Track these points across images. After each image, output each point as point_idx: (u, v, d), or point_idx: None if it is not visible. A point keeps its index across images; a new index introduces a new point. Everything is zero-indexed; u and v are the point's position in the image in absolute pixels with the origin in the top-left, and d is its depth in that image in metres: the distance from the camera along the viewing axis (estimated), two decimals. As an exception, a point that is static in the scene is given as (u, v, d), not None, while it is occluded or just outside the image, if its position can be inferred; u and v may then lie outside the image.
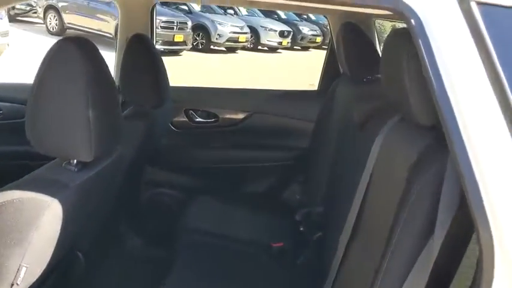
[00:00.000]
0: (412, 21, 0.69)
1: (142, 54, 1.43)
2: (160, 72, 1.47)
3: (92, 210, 1.14)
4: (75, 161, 0.92)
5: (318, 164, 1.67)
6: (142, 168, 1.82)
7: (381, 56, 1.00)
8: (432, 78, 0.68)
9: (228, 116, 2.00)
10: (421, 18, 0.68)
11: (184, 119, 1.99)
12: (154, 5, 1.79)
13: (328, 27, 1.90)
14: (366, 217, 1.05)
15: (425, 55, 0.68)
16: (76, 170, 0.92)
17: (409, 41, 0.73)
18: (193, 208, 1.70)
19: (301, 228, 1.52)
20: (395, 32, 0.95)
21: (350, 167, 1.20)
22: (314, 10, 1.98)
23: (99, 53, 0.95)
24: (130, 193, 1.72)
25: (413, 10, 0.68)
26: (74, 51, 0.87)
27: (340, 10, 1.76)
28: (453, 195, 0.73)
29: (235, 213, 1.69)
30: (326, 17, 1.85)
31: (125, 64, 1.44)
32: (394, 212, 0.85)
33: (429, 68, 0.68)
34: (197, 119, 2.00)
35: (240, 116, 1.99)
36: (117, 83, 1.53)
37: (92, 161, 0.91)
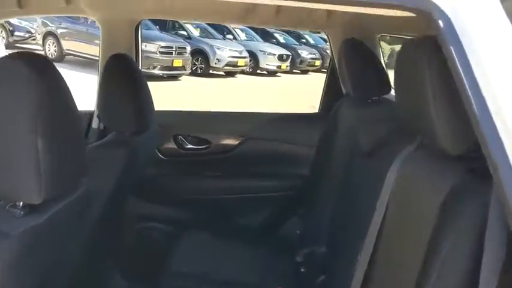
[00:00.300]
0: (441, 23, 0.53)
1: (123, 76, 1.28)
2: (142, 95, 1.33)
3: (57, 257, 0.97)
4: (21, 203, 0.75)
5: (320, 195, 1.49)
6: (125, 200, 1.64)
7: (394, 70, 0.84)
8: (469, 93, 0.52)
9: (220, 142, 1.83)
10: (453, 20, 0.53)
11: (172, 146, 1.82)
12: (140, 23, 1.66)
13: (328, 44, 1.76)
14: (382, 260, 0.87)
15: (458, 65, 0.52)
16: (22, 214, 0.75)
17: (433, 50, 0.58)
18: (182, 245, 1.53)
19: (303, 270, 1.34)
20: (412, 41, 0.79)
21: (359, 199, 1.03)
22: (313, 26, 1.84)
23: (56, 72, 0.79)
24: (112, 229, 1.54)
25: (444, 11, 0.53)
26: (21, 68, 0.71)
27: (342, 25, 1.62)
28: (500, 237, 0.56)
29: (228, 251, 1.52)
30: (326, 34, 1.71)
31: (104, 87, 1.30)
32: (422, 257, 0.68)
33: (464, 81, 0.52)
34: (187, 146, 1.84)
35: (234, 142, 1.82)
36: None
37: (43, 202, 0.74)
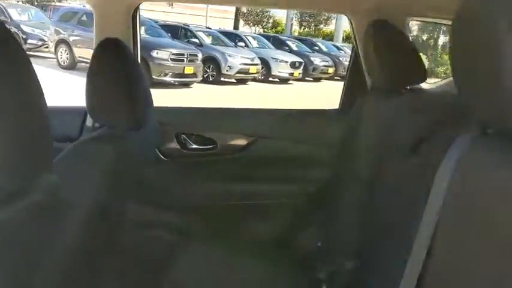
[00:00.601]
0: None
1: (113, 63, 1.11)
2: (137, 86, 1.15)
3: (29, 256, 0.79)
4: None
5: (344, 201, 1.28)
6: (121, 205, 1.46)
7: (450, 51, 0.64)
8: None
9: (228, 141, 1.64)
10: None
11: (175, 146, 1.64)
12: (137, 7, 1.48)
13: (352, 33, 1.55)
14: (437, 282, 0.66)
15: None
16: None
17: None
18: (184, 257, 1.34)
19: None
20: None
21: (397, 205, 0.82)
22: (334, 8, 1.65)
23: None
24: (104, 235, 1.36)
25: None
26: None
27: (366, 7, 1.42)
28: None
29: (235, 266, 1.31)
30: (349, 19, 1.51)
31: (92, 76, 1.13)
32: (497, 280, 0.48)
33: None
34: (191, 146, 1.65)
35: (243, 141, 1.63)
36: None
37: None
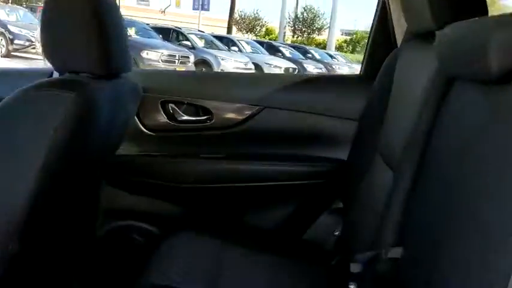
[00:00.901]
0: None
1: None
2: (105, 23, 0.89)
3: None
4: None
5: (369, 183, 1.00)
6: (91, 185, 1.15)
7: None
8: None
9: (226, 112, 1.35)
10: None
11: (161, 117, 1.34)
12: None
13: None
14: None
15: None
16: None
17: None
18: (172, 251, 1.05)
19: (352, 286, 0.84)
20: None
21: (466, 183, 0.55)
22: None
23: None
24: (67, 223, 1.05)
25: None
26: None
27: None
28: None
29: (236, 261, 1.02)
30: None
31: (49, 12, 0.89)
32: None
33: None
34: (180, 117, 1.35)
35: (245, 112, 1.34)
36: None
37: None
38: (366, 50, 1.39)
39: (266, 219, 1.31)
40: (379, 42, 1.32)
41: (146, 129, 1.35)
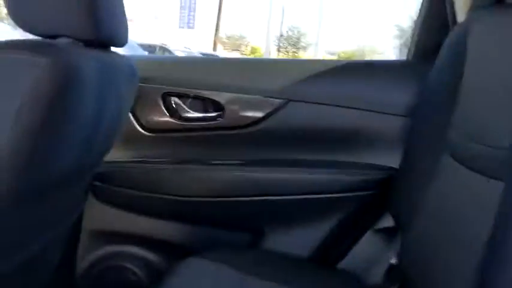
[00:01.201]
0: None
1: None
2: None
3: None
4: None
5: (447, 187, 0.74)
6: (71, 198, 0.88)
7: None
8: None
9: (242, 107, 1.09)
10: None
11: (162, 115, 1.08)
12: None
13: None
14: None
15: None
16: None
17: None
18: (180, 286, 0.78)
19: None
20: None
21: None
22: None
23: None
24: (39, 255, 0.77)
25: None
26: None
27: None
28: None
29: None
30: None
31: None
32: None
33: None
34: (186, 114, 1.09)
35: (265, 107, 1.08)
36: None
37: None
38: (413, 31, 1.15)
39: (293, 243, 1.04)
40: (433, 19, 1.08)
41: (143, 129, 1.08)
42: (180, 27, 18.90)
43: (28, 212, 0.65)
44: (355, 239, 1.03)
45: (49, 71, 0.55)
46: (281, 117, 1.08)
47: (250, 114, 1.09)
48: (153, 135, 1.08)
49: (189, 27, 18.42)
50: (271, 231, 1.06)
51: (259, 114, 1.08)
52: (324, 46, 24.70)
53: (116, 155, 1.01)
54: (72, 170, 0.73)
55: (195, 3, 18.51)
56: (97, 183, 1.01)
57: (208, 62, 1.21)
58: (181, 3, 18.51)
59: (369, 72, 1.11)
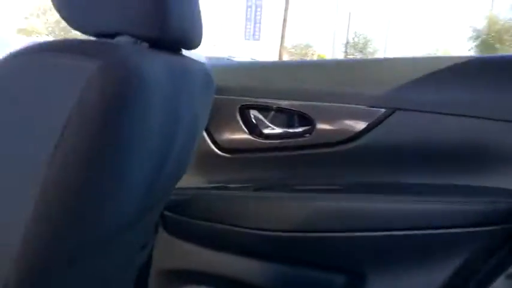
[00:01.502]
0: None
1: None
2: None
3: None
4: None
5: None
6: (138, 232, 0.73)
7: None
8: None
9: (336, 120, 0.90)
10: None
11: (241, 132, 0.92)
12: None
13: None
14: None
15: None
16: None
17: None
18: None
19: None
20: None
21: None
22: None
23: None
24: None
25: None
26: None
27: None
28: None
29: None
30: None
31: None
32: None
33: None
34: (268, 130, 0.92)
35: (365, 119, 0.87)
36: None
37: None
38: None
39: (407, 287, 0.82)
40: None
41: (218, 149, 0.92)
42: (246, 39, 19.18)
43: (85, 269, 0.51)
44: (487, 283, 0.78)
45: (100, 76, 0.40)
46: (385, 131, 0.87)
47: (344, 128, 0.89)
48: (229, 155, 0.92)
49: (254, 39, 18.62)
50: (373, 274, 0.85)
51: (356, 129, 0.88)
52: (392, 51, 23.77)
53: (187, 179, 0.86)
54: (138, 207, 0.58)
55: (260, 15, 18.70)
56: (167, 213, 0.87)
57: (293, 66, 1.03)
58: (246, 16, 18.79)
59: (490, 71, 0.86)
